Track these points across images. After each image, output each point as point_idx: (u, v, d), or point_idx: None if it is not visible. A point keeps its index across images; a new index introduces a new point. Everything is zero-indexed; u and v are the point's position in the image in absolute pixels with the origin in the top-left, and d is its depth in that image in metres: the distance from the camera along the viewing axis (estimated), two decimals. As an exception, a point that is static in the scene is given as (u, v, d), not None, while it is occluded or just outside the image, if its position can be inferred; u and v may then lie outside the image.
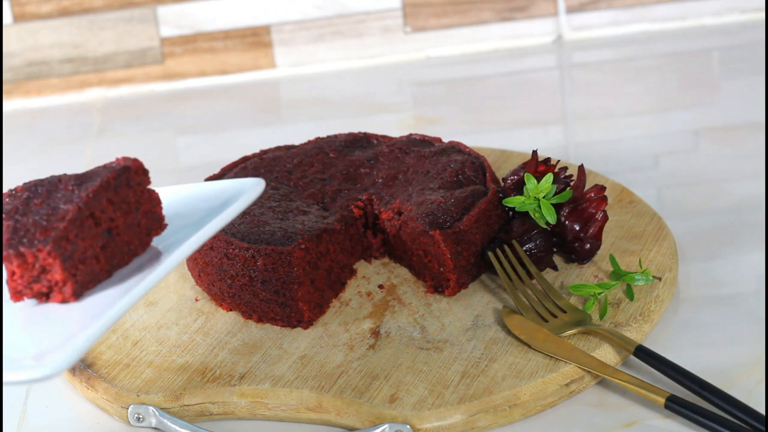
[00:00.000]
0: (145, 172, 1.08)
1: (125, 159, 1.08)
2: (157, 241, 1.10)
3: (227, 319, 1.22)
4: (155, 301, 1.25)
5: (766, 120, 1.55)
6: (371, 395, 1.10)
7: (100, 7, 1.80)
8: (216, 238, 1.20)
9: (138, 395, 1.13)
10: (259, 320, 1.21)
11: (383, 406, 1.08)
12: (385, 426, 1.07)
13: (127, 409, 1.13)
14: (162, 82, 1.83)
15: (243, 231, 1.21)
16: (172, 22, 1.81)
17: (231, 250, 1.19)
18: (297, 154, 1.35)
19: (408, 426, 1.07)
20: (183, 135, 1.71)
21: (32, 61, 1.81)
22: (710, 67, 1.75)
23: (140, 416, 1.12)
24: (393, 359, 1.14)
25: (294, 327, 1.19)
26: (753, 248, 1.29)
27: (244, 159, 1.36)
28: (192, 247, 1.03)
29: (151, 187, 1.10)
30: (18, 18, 1.79)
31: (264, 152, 1.37)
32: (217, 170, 1.42)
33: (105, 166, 1.07)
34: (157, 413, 1.12)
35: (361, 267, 1.28)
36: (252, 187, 1.10)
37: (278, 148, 1.37)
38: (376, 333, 1.17)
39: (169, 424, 1.11)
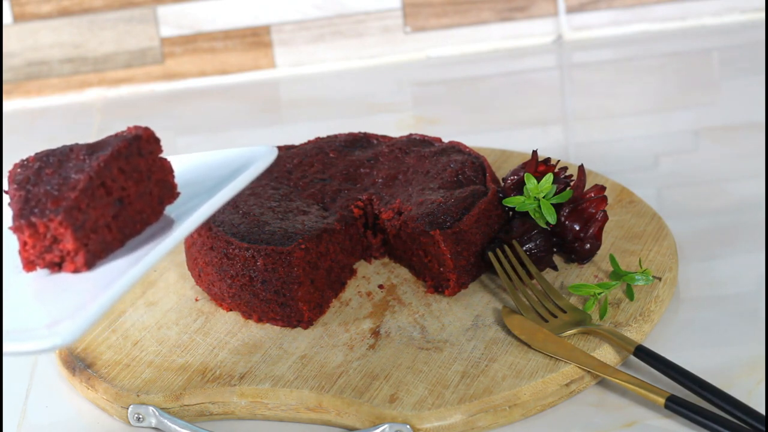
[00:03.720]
0: (157, 140, 1.07)
1: (137, 128, 1.07)
2: (170, 210, 1.09)
3: (227, 319, 1.22)
4: (155, 301, 1.25)
5: (766, 120, 1.55)
6: (371, 395, 1.10)
7: (100, 7, 1.80)
8: (216, 238, 1.20)
9: (138, 395, 1.13)
10: (259, 320, 1.21)
11: (383, 406, 1.08)
12: (385, 426, 1.07)
13: (127, 409, 1.13)
14: (162, 82, 1.83)
15: (243, 231, 1.21)
16: (172, 22, 1.81)
17: (231, 250, 1.19)
18: (297, 154, 1.35)
19: (408, 426, 1.07)
20: (183, 135, 1.71)
21: (32, 61, 1.81)
22: (710, 67, 1.75)
23: (140, 416, 1.12)
24: (393, 359, 1.14)
25: (294, 327, 1.19)
26: (753, 248, 1.29)
27: (244, 159, 1.36)
28: (204, 216, 1.02)
29: (164, 155, 1.09)
30: (18, 18, 1.79)
31: (264, 152, 1.37)
32: (217, 170, 1.42)
33: (116, 135, 1.06)
34: (157, 413, 1.12)
35: (361, 267, 1.28)
36: (264, 155, 1.09)
37: (278, 148, 1.37)
38: (376, 333, 1.17)
39: (169, 424, 1.11)
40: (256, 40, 1.82)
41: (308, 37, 1.82)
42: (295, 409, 1.11)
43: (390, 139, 1.37)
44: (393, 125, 1.65)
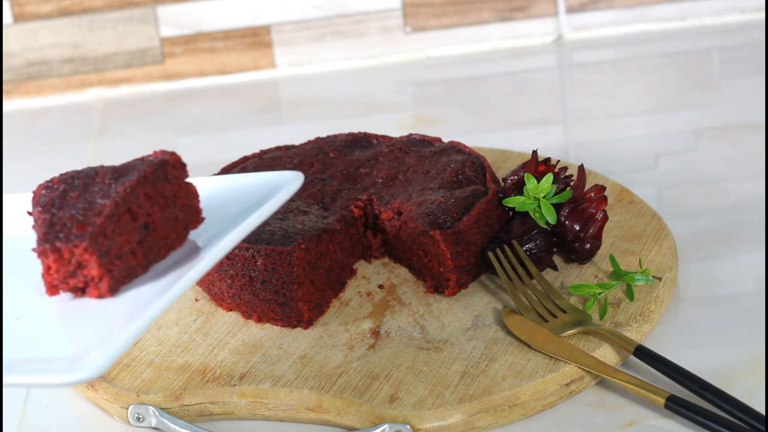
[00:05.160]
0: (183, 165, 1.07)
1: (163, 152, 1.06)
2: (194, 235, 1.09)
3: (227, 319, 1.22)
4: (155, 301, 1.25)
5: (766, 120, 1.55)
6: (371, 395, 1.10)
7: (100, 7, 1.80)
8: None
9: (138, 395, 1.13)
10: (259, 320, 1.21)
11: (383, 406, 1.08)
12: (385, 426, 1.07)
13: (127, 409, 1.13)
14: (162, 82, 1.83)
15: (243, 231, 1.21)
16: (172, 22, 1.81)
17: (231, 250, 1.19)
18: (297, 154, 1.35)
19: (408, 426, 1.07)
20: (183, 135, 1.71)
21: (32, 61, 1.81)
22: (710, 67, 1.75)
23: (140, 416, 1.12)
24: (393, 359, 1.14)
25: (294, 327, 1.20)
26: (753, 248, 1.29)
27: (244, 159, 1.36)
28: (232, 243, 1.01)
29: (189, 179, 1.09)
30: (18, 18, 1.79)
31: (264, 152, 1.37)
32: (217, 170, 1.42)
33: (142, 160, 1.06)
34: (157, 413, 1.12)
35: (361, 267, 1.28)
36: (291, 181, 1.08)
37: (278, 148, 1.37)
38: (376, 333, 1.17)
39: (169, 424, 1.11)
40: (256, 40, 1.82)
41: (308, 37, 1.82)
42: (295, 409, 1.11)
43: (390, 139, 1.37)
44: (393, 125, 1.65)
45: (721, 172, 1.45)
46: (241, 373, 1.14)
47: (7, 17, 1.79)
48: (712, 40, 1.80)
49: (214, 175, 1.33)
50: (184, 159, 1.64)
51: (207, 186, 1.13)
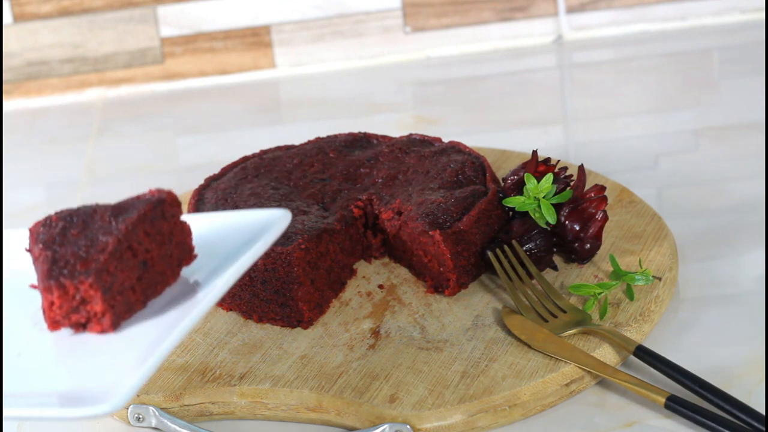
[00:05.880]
0: (179, 203, 1.09)
1: (159, 191, 1.08)
2: (186, 272, 1.10)
3: (227, 319, 1.22)
4: (155, 301, 1.25)
5: (766, 120, 1.55)
6: (371, 395, 1.10)
7: (100, 7, 1.80)
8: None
9: (138, 395, 1.13)
10: (259, 320, 1.21)
11: (383, 406, 1.08)
12: (385, 426, 1.07)
13: (127, 409, 1.13)
14: (162, 82, 1.83)
15: (243, 231, 1.21)
16: (172, 22, 1.81)
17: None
18: (297, 154, 1.35)
19: (408, 426, 1.07)
20: (183, 135, 1.71)
21: (32, 61, 1.81)
22: (710, 67, 1.75)
23: (140, 416, 1.12)
24: (393, 359, 1.14)
25: (294, 327, 1.20)
26: (753, 248, 1.29)
27: (244, 159, 1.36)
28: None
29: (182, 217, 1.11)
30: (18, 18, 1.79)
31: (264, 152, 1.37)
32: (217, 170, 1.42)
33: (139, 198, 1.08)
34: (157, 413, 1.12)
35: (361, 267, 1.28)
36: (279, 220, 1.09)
37: (278, 148, 1.37)
38: (376, 333, 1.17)
39: (169, 424, 1.11)
40: (256, 40, 1.82)
41: (308, 37, 1.82)
42: (295, 409, 1.11)
43: (390, 139, 1.37)
44: (393, 125, 1.65)
45: (721, 172, 1.45)
46: (241, 373, 1.14)
47: (7, 17, 1.79)
48: (712, 40, 1.80)
49: (214, 175, 1.34)
50: (184, 159, 1.65)
51: (197, 224, 1.14)
